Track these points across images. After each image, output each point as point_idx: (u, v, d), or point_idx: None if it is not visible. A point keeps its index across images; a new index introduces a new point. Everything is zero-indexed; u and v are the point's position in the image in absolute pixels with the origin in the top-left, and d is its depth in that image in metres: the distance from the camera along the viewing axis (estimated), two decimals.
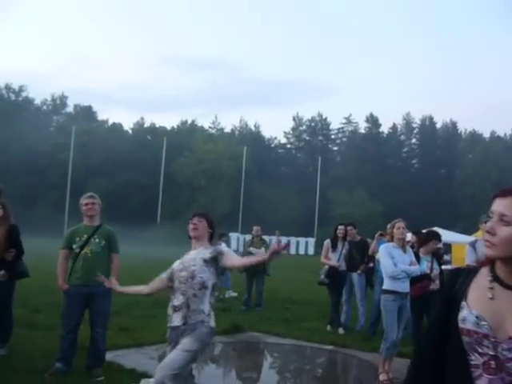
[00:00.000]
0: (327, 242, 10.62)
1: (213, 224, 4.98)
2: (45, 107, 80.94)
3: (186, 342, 4.35)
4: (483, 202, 54.58)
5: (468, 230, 28.48)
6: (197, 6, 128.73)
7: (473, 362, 1.83)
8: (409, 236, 8.98)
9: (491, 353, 1.79)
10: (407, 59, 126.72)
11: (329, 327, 10.13)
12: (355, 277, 10.50)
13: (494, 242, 1.82)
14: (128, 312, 10.34)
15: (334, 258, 10.27)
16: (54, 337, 7.02)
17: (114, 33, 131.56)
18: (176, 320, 4.49)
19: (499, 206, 1.87)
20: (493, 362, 1.79)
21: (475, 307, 1.86)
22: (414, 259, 7.09)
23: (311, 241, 50.78)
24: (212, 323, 4.55)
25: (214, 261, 4.61)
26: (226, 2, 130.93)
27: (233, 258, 4.71)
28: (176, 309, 4.53)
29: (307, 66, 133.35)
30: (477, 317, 1.83)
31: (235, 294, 14.33)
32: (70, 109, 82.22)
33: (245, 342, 9.15)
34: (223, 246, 4.96)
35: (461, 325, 1.87)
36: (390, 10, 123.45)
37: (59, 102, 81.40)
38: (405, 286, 6.88)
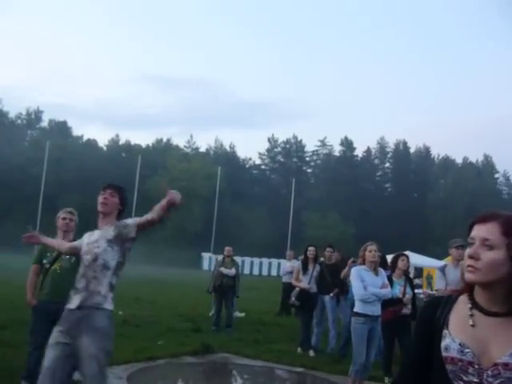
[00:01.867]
0: (298, 264, 10.64)
1: (125, 201, 4.60)
2: (19, 121, 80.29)
3: (88, 344, 4.07)
4: (455, 226, 55.32)
5: (440, 255, 28.72)
6: (175, 25, 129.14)
7: None
8: (388, 258, 9.04)
9: (476, 380, 1.80)
10: (382, 84, 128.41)
11: (299, 349, 10.10)
12: (327, 299, 10.51)
13: (478, 266, 1.82)
14: None
15: (304, 281, 10.25)
16: (19, 354, 6.88)
17: (91, 49, 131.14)
18: (74, 302, 4.25)
19: (480, 231, 1.87)
20: None
21: (457, 335, 1.86)
22: (386, 282, 7.13)
23: (283, 262, 50.71)
24: (108, 305, 4.30)
25: (119, 238, 4.35)
26: (204, 23, 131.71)
27: (145, 218, 4.34)
28: (76, 291, 4.29)
29: (283, 88, 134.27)
30: (460, 344, 1.84)
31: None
32: (44, 123, 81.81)
33: (214, 362, 9.07)
34: (126, 220, 4.42)
35: (444, 353, 1.86)
36: (366, 35, 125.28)
37: (34, 117, 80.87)
38: (375, 309, 6.91)
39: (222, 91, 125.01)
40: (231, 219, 64.44)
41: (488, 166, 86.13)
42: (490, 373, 1.78)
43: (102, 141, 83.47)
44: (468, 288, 1.94)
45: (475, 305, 1.90)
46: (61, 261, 6.17)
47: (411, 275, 10.67)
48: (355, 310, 6.98)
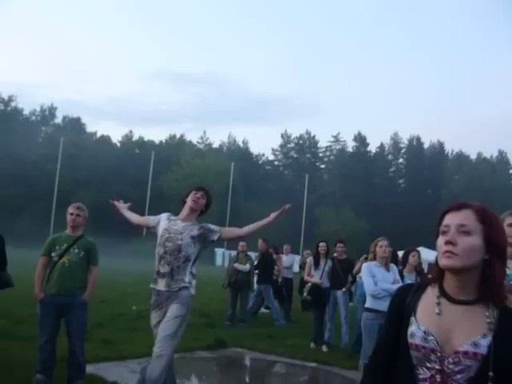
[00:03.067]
0: (310, 260, 10.69)
1: (209, 206, 5.59)
2: (33, 118, 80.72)
3: (173, 309, 4.92)
4: None
5: None
6: (187, 21, 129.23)
7: (421, 376, 1.89)
8: (399, 254, 9.04)
9: (437, 367, 1.85)
10: (396, 79, 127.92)
11: (312, 344, 10.14)
12: (339, 295, 10.54)
13: (456, 251, 1.86)
14: (111, 324, 10.30)
15: (316, 276, 10.30)
16: (35, 348, 6.96)
17: (105, 46, 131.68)
18: (161, 285, 5.06)
19: (456, 218, 1.93)
20: (438, 376, 1.85)
21: (423, 322, 1.92)
22: (397, 277, 7.14)
23: (297, 258, 50.59)
24: (192, 290, 5.13)
25: (202, 237, 5.18)
26: (217, 19, 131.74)
27: (232, 230, 5.33)
28: (161, 275, 5.08)
29: (297, 84, 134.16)
30: (424, 332, 1.89)
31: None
32: (58, 120, 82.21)
33: (228, 357, 9.13)
34: (210, 225, 5.35)
35: (409, 340, 1.92)
36: (380, 30, 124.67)
37: (48, 113, 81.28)
38: (386, 305, 6.91)
39: (235, 87, 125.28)
40: (244, 215, 64.32)
41: (503, 162, 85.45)
42: (450, 360, 1.84)
43: (116, 137, 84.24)
44: (438, 277, 1.98)
45: (443, 293, 1.95)
46: (69, 254, 6.19)
47: (425, 271, 10.64)
48: (366, 305, 7.01)
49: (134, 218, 5.88)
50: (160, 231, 5.30)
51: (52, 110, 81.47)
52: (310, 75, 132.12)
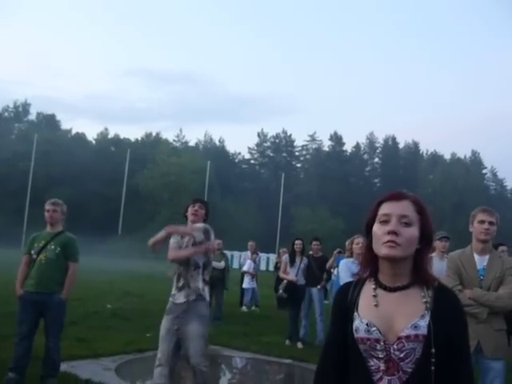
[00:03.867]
0: (285, 257, 10.73)
1: (209, 213, 5.60)
2: (6, 114, 79.75)
3: (195, 330, 5.00)
4: (443, 221, 55.51)
5: None
6: (164, 19, 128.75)
7: (372, 367, 1.92)
8: None
9: (383, 356, 1.89)
10: (372, 80, 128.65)
11: (287, 341, 10.16)
12: (314, 292, 10.58)
13: (399, 242, 1.90)
14: (85, 322, 10.23)
15: (292, 273, 10.34)
16: (6, 347, 6.89)
17: (81, 42, 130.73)
18: (180, 298, 5.15)
19: (397, 208, 1.97)
20: (387, 364, 1.89)
21: (365, 316, 1.96)
22: None
23: (272, 257, 50.72)
24: (207, 296, 5.27)
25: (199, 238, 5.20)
26: (195, 18, 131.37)
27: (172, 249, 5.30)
28: (180, 289, 5.17)
29: (273, 83, 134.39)
30: (367, 324, 1.93)
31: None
32: (32, 117, 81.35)
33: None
34: (206, 231, 5.27)
35: (355, 334, 1.95)
36: (357, 30, 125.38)
37: (21, 110, 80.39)
38: None
39: (212, 86, 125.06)
40: (220, 213, 64.28)
41: (476, 162, 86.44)
42: (395, 347, 1.88)
43: (91, 134, 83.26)
44: (373, 269, 2.02)
45: (379, 284, 2.00)
46: (46, 251, 6.16)
47: None
48: None
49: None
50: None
51: (26, 107, 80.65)
52: (287, 75, 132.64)
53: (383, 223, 1.96)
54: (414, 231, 1.94)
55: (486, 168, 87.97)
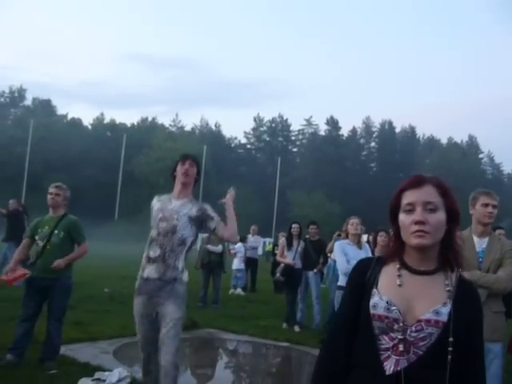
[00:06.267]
0: (283, 241, 10.76)
1: (200, 172, 4.82)
2: (2, 99, 79.41)
3: (171, 312, 4.33)
4: None
5: None
6: (162, 4, 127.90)
7: (382, 346, 1.92)
8: (364, 237, 9.12)
9: (400, 336, 1.88)
10: (368, 64, 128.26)
11: (284, 325, 10.20)
12: (311, 275, 10.60)
13: (428, 230, 1.88)
14: (82, 306, 10.21)
15: (289, 257, 10.36)
16: (5, 329, 6.91)
17: (77, 27, 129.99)
18: (151, 272, 4.40)
19: (421, 195, 1.94)
20: (401, 345, 1.88)
21: (385, 294, 1.94)
22: (369, 255, 7.19)
23: (269, 241, 50.84)
24: (185, 278, 4.50)
25: (199, 220, 4.54)
26: (191, 3, 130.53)
27: (223, 229, 4.59)
28: (151, 260, 4.42)
29: (269, 68, 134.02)
30: (387, 302, 1.92)
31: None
32: (28, 102, 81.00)
33: (201, 338, 9.14)
34: (210, 208, 4.68)
35: (372, 311, 1.94)
36: (352, 15, 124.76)
37: (17, 95, 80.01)
38: None
39: (208, 70, 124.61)
40: (217, 198, 63.86)
41: (472, 147, 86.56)
42: (413, 329, 1.88)
43: (87, 120, 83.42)
44: (398, 251, 2.01)
45: (404, 265, 1.98)
46: (51, 237, 6.20)
47: None
48: (339, 283, 7.05)
49: None
50: (153, 213, 4.61)
51: (21, 92, 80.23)
52: (283, 59, 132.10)
53: (408, 212, 1.94)
54: (440, 216, 1.92)
55: (482, 152, 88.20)
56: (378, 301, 1.94)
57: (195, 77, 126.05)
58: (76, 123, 77.87)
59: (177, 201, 4.59)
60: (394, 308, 1.90)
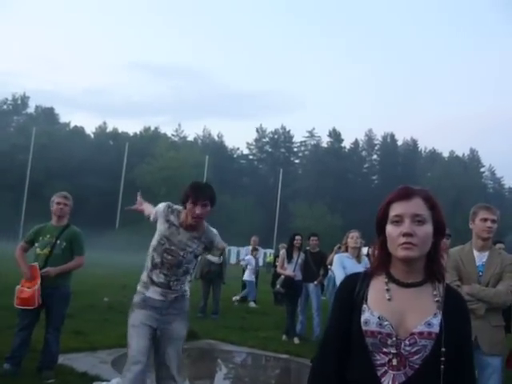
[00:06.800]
0: (283, 252, 10.73)
1: (214, 202, 4.54)
2: (5, 107, 79.60)
3: (178, 329, 4.38)
4: None
5: None
6: (166, 14, 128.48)
7: (378, 362, 1.90)
8: (364, 250, 9.10)
9: (394, 351, 1.87)
10: (371, 77, 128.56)
11: (284, 337, 10.15)
12: (311, 287, 10.57)
13: (415, 242, 1.88)
14: (82, 316, 10.19)
15: (289, 268, 10.31)
16: (2, 338, 6.88)
17: (80, 36, 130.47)
18: (154, 294, 4.34)
19: (408, 208, 1.93)
20: (396, 360, 1.87)
21: (376, 309, 1.93)
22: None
23: (270, 252, 50.74)
24: (188, 294, 4.52)
25: (205, 250, 4.62)
26: (195, 13, 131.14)
27: (219, 244, 4.66)
28: (154, 284, 4.35)
29: (273, 79, 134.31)
30: (379, 317, 1.90)
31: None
32: (31, 110, 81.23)
33: (200, 349, 9.09)
34: (218, 238, 4.54)
35: (364, 327, 1.92)
36: (354, 27, 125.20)
37: (20, 103, 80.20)
38: None
39: (211, 81, 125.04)
40: (218, 209, 63.95)
41: (474, 160, 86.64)
42: (407, 342, 1.87)
43: (90, 128, 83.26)
44: (385, 264, 1.99)
45: (391, 278, 1.97)
46: (52, 247, 6.15)
47: None
48: None
49: (148, 210, 4.86)
50: (158, 235, 4.42)
51: (24, 100, 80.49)
52: (287, 71, 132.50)
53: (396, 224, 1.93)
54: (428, 228, 1.92)
55: (484, 166, 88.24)
56: (369, 317, 1.92)
57: (198, 87, 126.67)
58: (78, 131, 78.02)
59: (186, 232, 4.37)
60: (386, 323, 1.89)
